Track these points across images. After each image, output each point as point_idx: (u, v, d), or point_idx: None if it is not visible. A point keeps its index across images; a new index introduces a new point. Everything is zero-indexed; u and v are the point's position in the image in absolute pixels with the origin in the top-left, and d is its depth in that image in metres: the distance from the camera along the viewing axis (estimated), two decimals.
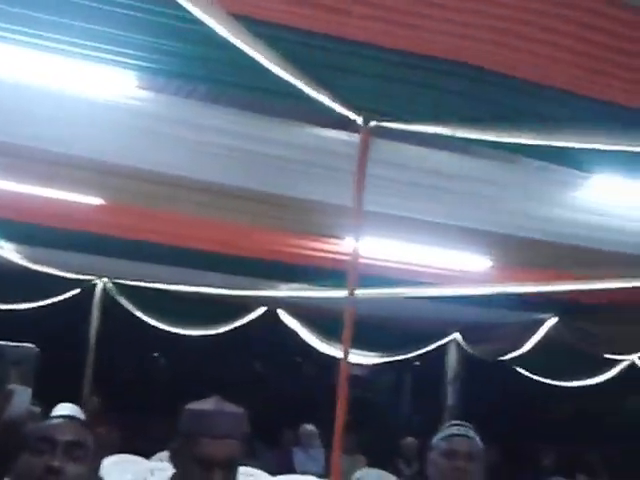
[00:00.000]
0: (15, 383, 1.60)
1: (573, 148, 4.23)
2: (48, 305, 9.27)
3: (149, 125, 5.12)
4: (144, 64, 4.45)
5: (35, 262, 8.50)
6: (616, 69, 3.70)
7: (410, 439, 10.27)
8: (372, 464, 10.15)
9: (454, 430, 3.39)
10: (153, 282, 9.30)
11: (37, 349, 1.65)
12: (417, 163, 5.29)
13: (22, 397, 1.60)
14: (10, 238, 7.90)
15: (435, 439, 3.42)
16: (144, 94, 4.80)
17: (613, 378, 10.48)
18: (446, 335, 10.94)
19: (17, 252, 8.23)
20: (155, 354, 15.10)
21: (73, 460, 2.06)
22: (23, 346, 1.65)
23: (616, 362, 10.24)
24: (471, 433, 3.37)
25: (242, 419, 2.76)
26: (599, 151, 4.19)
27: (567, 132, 4.09)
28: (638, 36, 3.39)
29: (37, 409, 1.65)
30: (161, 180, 5.84)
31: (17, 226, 7.37)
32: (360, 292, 5.36)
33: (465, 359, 11.68)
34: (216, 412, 2.66)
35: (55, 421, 2.13)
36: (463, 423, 3.51)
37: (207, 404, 2.72)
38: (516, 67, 3.80)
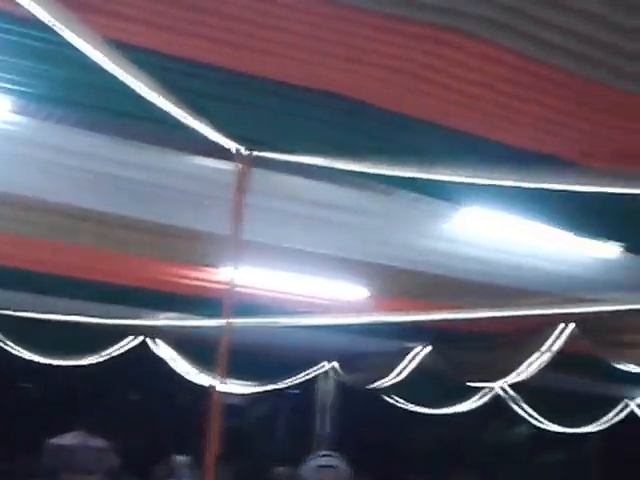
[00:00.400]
0: None
1: (445, 181, 4.33)
2: None
3: (20, 150, 5.01)
4: (18, 88, 4.35)
5: None
6: (489, 105, 3.83)
7: (282, 469, 10.25)
8: None
9: (322, 461, 3.39)
10: (23, 311, 9.02)
11: None
12: (296, 193, 5.34)
13: None
14: None
15: (303, 469, 3.41)
16: (17, 119, 4.69)
17: (479, 406, 10.77)
18: (321, 364, 10.99)
19: None
20: (24, 384, 14.63)
21: None
22: None
23: (482, 390, 10.52)
24: (338, 463, 3.38)
25: (107, 453, 2.70)
26: (469, 184, 4.31)
27: (439, 165, 4.19)
28: (508, 74, 3.53)
29: None
30: (31, 205, 5.70)
31: None
32: (236, 321, 5.35)
33: (341, 388, 11.77)
34: (79, 447, 2.59)
35: None
36: (331, 453, 3.53)
37: (70, 438, 2.64)
38: (392, 101, 3.88)
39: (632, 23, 3.05)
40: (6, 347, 9.50)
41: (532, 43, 3.20)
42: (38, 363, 9.80)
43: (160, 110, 3.88)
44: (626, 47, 3.19)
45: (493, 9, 3.03)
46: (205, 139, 4.50)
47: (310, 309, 7.96)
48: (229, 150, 4.75)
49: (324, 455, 3.50)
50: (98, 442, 2.53)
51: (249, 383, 10.51)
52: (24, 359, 9.75)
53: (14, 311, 9.16)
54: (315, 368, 11.02)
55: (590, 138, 4.07)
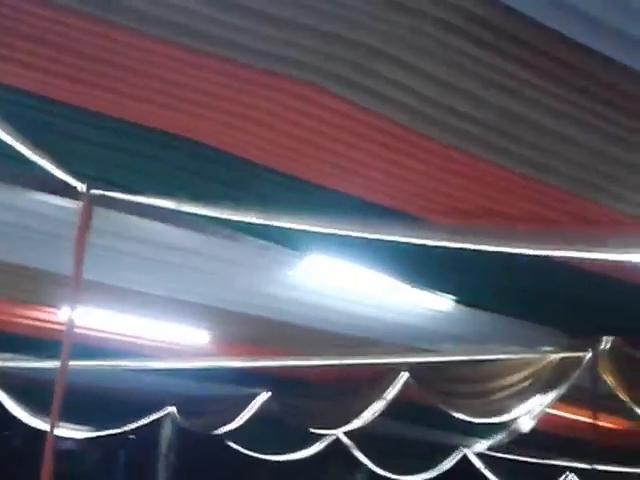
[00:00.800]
0: None
1: (290, 229, 4.41)
2: None
3: None
4: None
5: None
6: (334, 156, 3.93)
7: None
8: None
9: None
10: None
11: None
12: (141, 234, 5.30)
13: None
14: None
15: None
16: None
17: (318, 452, 10.84)
18: (161, 408, 10.81)
19: None
20: None
21: None
22: None
23: (322, 437, 10.61)
24: None
25: None
26: (314, 233, 4.40)
27: (284, 213, 4.27)
28: (353, 127, 3.64)
29: None
30: None
31: None
32: (74, 363, 5.23)
33: (180, 433, 11.61)
34: None
35: None
36: None
37: None
38: (241, 147, 3.93)
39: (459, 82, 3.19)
40: None
41: (371, 96, 3.30)
42: None
43: (4, 144, 3.81)
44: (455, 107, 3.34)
45: (339, 63, 3.13)
46: (50, 176, 4.43)
47: (151, 352, 7.86)
48: (75, 188, 4.69)
49: None
50: None
51: (85, 427, 10.23)
52: None
53: None
54: (154, 413, 10.83)
55: (430, 193, 4.23)
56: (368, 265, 5.41)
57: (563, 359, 6.72)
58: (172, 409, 10.90)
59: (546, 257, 4.01)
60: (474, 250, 4.00)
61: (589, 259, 3.83)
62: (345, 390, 8.84)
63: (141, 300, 6.32)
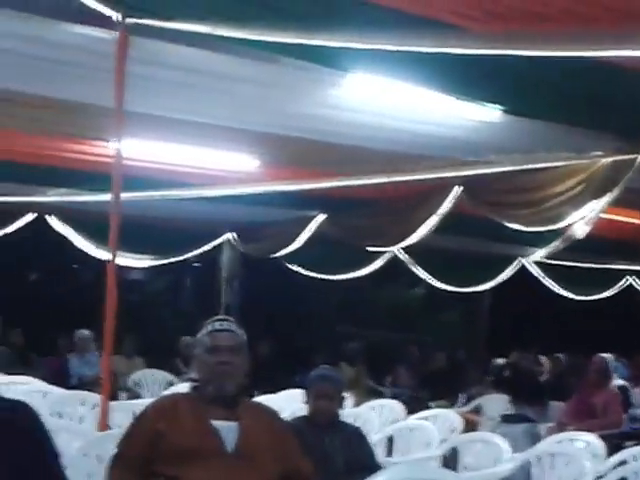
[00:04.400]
0: None
1: (330, 47, 4.32)
2: None
3: None
4: None
5: None
6: None
7: (187, 338, 10.40)
8: (151, 365, 10.26)
9: (217, 325, 3.45)
10: None
11: None
12: (180, 62, 5.23)
13: None
14: None
15: (199, 335, 3.47)
16: None
17: (377, 270, 11.04)
18: (219, 235, 11.04)
19: None
20: None
21: None
22: None
23: (380, 254, 10.77)
24: (233, 327, 3.44)
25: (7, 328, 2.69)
26: (354, 50, 4.31)
27: (322, 31, 4.17)
28: None
29: None
30: None
31: None
32: (126, 195, 5.32)
33: (240, 258, 11.88)
34: None
35: None
36: (226, 317, 3.59)
37: None
38: None
39: None
40: None
41: None
42: None
43: None
44: None
45: None
46: (84, 6, 4.37)
47: (202, 181, 7.94)
48: (110, 18, 4.63)
49: (218, 320, 3.55)
50: None
51: (147, 257, 10.52)
52: None
53: None
54: (213, 240, 11.06)
55: (469, 0, 4.09)
56: (412, 80, 5.31)
57: (615, 162, 6.59)
58: (231, 235, 11.12)
59: (590, 59, 3.88)
60: (518, 57, 3.90)
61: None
62: (399, 207, 8.87)
63: (186, 129, 6.31)
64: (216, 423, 3.28)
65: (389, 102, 5.75)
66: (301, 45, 4.36)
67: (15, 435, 2.45)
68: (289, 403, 5.69)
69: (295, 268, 11.37)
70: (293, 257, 10.85)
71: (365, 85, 5.44)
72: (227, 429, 3.27)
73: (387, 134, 6.32)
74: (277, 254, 10.74)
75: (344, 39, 4.21)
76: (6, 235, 9.83)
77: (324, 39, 4.24)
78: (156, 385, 9.23)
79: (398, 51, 4.23)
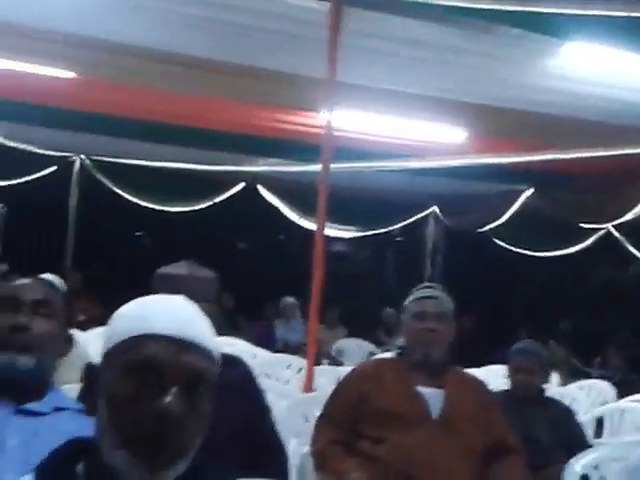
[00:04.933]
0: None
1: (548, 14, 4.18)
2: (27, 182, 9.22)
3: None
4: None
5: (11, 139, 8.40)
6: None
7: (390, 310, 10.45)
8: (353, 335, 10.39)
9: (424, 292, 3.43)
10: (131, 158, 9.25)
11: (3, 206, 1.64)
12: (392, 32, 5.23)
13: None
14: None
15: (406, 302, 3.47)
16: None
17: (588, 247, 10.65)
18: (424, 208, 11.00)
19: None
20: (138, 232, 15.12)
21: (40, 317, 2.07)
22: None
23: (592, 231, 10.38)
24: (440, 294, 3.41)
25: (214, 282, 2.79)
26: (574, 17, 4.15)
27: None
28: None
29: (3, 266, 1.65)
30: (134, 52, 5.77)
31: None
32: (335, 166, 5.39)
33: (444, 232, 11.79)
34: (187, 276, 2.69)
35: (20, 281, 2.15)
36: (433, 285, 3.55)
37: (178, 268, 2.75)
38: None
39: None
40: (118, 193, 9.78)
41: None
42: (152, 211, 10.11)
43: None
44: None
45: None
46: None
47: (410, 152, 7.92)
48: None
49: (425, 287, 3.53)
50: (206, 272, 2.66)
51: (352, 228, 10.63)
52: (136, 208, 10.05)
53: (125, 159, 9.40)
54: (418, 212, 11.04)
55: None
56: (633, 48, 5.05)
57: None
58: (435, 208, 11.06)
59: None
60: None
61: None
62: (615, 183, 8.50)
63: (397, 100, 6.31)
64: (421, 389, 3.27)
65: (609, 71, 5.51)
66: (518, 12, 4.25)
67: (232, 387, 2.54)
68: (492, 378, 5.60)
69: (501, 243, 11.16)
70: (499, 232, 10.65)
71: (584, 54, 5.23)
72: (432, 395, 3.26)
73: (606, 105, 6.05)
74: (483, 229, 10.58)
75: (564, 5, 4.07)
76: (218, 204, 10.20)
77: (543, 6, 4.12)
78: (358, 354, 9.35)
79: (618, 17, 4.04)
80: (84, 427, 1.58)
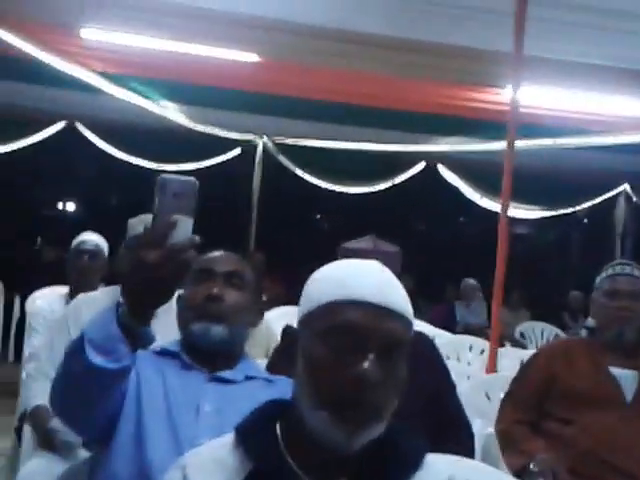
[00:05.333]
0: (177, 213, 1.64)
1: None
2: (211, 165, 9.49)
3: None
4: None
5: (196, 122, 8.67)
6: None
7: (576, 293, 10.13)
8: (536, 318, 10.15)
9: (617, 269, 3.26)
10: (312, 139, 9.34)
11: (196, 181, 1.68)
12: (582, 2, 5.02)
13: (185, 227, 1.65)
14: (172, 98, 8.06)
15: (598, 279, 3.32)
16: None
17: None
18: (614, 187, 10.53)
19: (180, 112, 8.39)
20: (317, 215, 15.36)
21: (232, 288, 2.14)
22: (184, 178, 1.68)
23: None
24: (636, 272, 3.24)
25: (398, 256, 2.79)
26: None
27: None
28: None
29: (198, 239, 1.69)
30: (315, 34, 5.80)
31: (178, 86, 7.51)
32: (521, 143, 5.22)
33: (636, 212, 11.26)
34: (372, 249, 2.69)
35: (214, 253, 2.21)
36: (628, 262, 3.37)
37: (363, 242, 2.76)
38: None
39: None
40: (299, 175, 9.91)
41: None
42: (331, 193, 10.21)
43: None
44: None
45: None
46: None
47: (599, 128, 7.60)
48: None
49: (619, 264, 3.36)
50: (389, 246, 2.67)
51: (537, 207, 10.33)
52: (316, 190, 10.17)
53: (306, 140, 9.51)
54: (608, 192, 10.58)
55: None
56: None
57: None
58: (626, 187, 10.57)
59: None
60: None
61: None
62: None
63: (585, 73, 6.06)
64: (614, 370, 3.12)
65: None
66: None
67: (421, 359, 2.52)
68: None
69: None
70: None
71: None
72: (626, 377, 3.10)
73: None
74: None
75: None
76: (398, 185, 10.16)
77: None
78: (542, 337, 9.13)
79: None
80: (274, 395, 1.62)
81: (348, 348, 1.41)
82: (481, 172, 9.11)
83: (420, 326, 7.21)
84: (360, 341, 1.42)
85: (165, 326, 2.12)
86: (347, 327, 1.42)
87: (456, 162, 9.76)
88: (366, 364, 1.40)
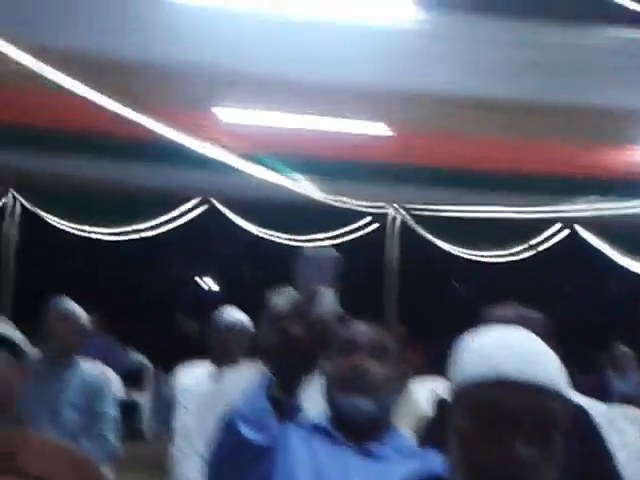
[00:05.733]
0: (319, 285, 1.64)
1: None
2: (345, 234, 9.54)
3: (429, 46, 5.09)
4: None
5: (329, 194, 8.76)
6: None
7: None
8: None
9: None
10: (445, 206, 9.29)
11: (338, 253, 1.68)
12: None
13: (328, 299, 1.64)
14: (305, 172, 8.18)
15: None
16: (420, 14, 4.77)
17: None
18: None
19: (312, 185, 8.49)
20: (454, 283, 15.18)
21: (376, 359, 2.11)
22: (325, 251, 1.68)
23: None
24: None
25: (541, 323, 2.69)
26: None
27: None
28: None
29: (342, 311, 1.67)
30: (444, 102, 5.80)
31: (310, 159, 7.63)
32: None
33: None
34: (515, 316, 2.61)
35: (357, 325, 2.19)
36: None
37: (504, 310, 2.68)
38: None
39: None
40: (435, 243, 9.84)
41: None
42: (464, 260, 10.09)
43: None
44: None
45: None
46: (620, 6, 4.24)
47: None
48: None
49: None
50: (533, 313, 2.60)
51: None
52: (451, 258, 10.06)
53: (441, 208, 9.44)
54: None
55: None
56: None
57: None
58: None
59: None
60: None
61: None
62: None
63: None
64: None
65: None
66: None
67: (578, 433, 2.41)
68: None
69: None
70: None
71: None
72: None
73: None
74: None
75: None
76: (542, 251, 9.94)
77: None
78: None
79: None
80: (424, 469, 1.57)
81: (501, 428, 1.36)
82: (622, 231, 8.83)
83: (574, 396, 6.96)
84: (510, 422, 1.36)
85: (309, 398, 2.11)
86: (496, 408, 1.37)
87: (595, 222, 9.49)
88: (519, 446, 1.35)
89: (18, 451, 2.16)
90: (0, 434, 2.17)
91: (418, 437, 2.68)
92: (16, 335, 2.29)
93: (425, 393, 4.27)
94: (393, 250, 9.89)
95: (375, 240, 10.02)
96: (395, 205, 9.75)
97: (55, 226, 9.44)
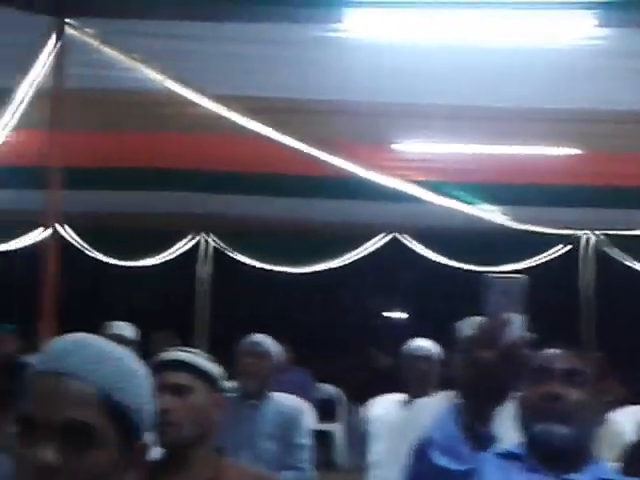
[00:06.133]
0: (507, 312, 1.62)
1: None
2: (537, 264, 9.34)
3: (612, 63, 4.95)
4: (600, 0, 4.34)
5: (517, 221, 8.58)
6: None
7: None
8: None
9: None
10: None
11: (526, 277, 1.66)
12: None
13: (517, 325, 1.62)
14: (491, 200, 8.06)
15: None
16: (604, 32, 4.65)
17: None
18: None
19: (503, 214, 8.35)
20: None
21: (572, 386, 2.05)
22: (512, 276, 1.67)
23: None
24: None
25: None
26: None
27: None
28: None
29: (532, 337, 1.65)
30: (624, 119, 5.62)
31: (497, 187, 7.52)
32: None
33: None
34: None
35: (551, 351, 2.14)
36: None
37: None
38: None
39: None
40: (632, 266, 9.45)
41: None
42: None
43: None
44: None
45: None
46: None
47: None
48: None
49: None
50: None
51: None
52: None
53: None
54: None
55: None
56: None
57: None
58: None
59: None
60: None
61: None
62: None
63: None
64: None
65: None
66: None
67: None
68: None
69: None
70: None
71: None
72: None
73: None
74: None
75: None
76: None
77: None
78: None
79: None
80: None
81: None
82: None
83: None
84: None
85: (503, 427, 2.07)
86: None
87: None
88: None
89: (221, 477, 2.24)
90: (204, 460, 2.26)
91: (622, 467, 2.58)
92: (215, 369, 2.39)
93: (628, 423, 4.10)
94: (588, 274, 9.57)
95: (568, 264, 9.74)
96: (588, 230, 9.47)
97: (245, 264, 9.76)
